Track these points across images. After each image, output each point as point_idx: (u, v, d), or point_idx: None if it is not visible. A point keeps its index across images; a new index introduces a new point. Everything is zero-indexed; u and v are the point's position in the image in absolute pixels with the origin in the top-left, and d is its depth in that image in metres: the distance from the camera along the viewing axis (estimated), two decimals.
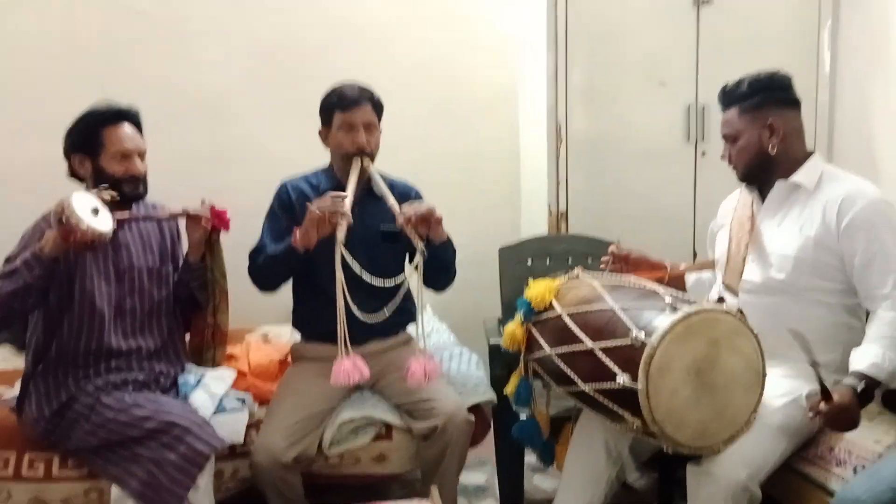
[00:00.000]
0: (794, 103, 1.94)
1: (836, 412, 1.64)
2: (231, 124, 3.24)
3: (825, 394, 1.65)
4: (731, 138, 1.95)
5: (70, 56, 3.11)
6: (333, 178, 2.21)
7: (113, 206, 1.89)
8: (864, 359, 1.70)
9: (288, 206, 2.18)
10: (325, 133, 2.19)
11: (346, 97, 2.12)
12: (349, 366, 1.84)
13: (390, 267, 2.08)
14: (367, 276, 1.88)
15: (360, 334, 2.00)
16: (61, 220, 1.73)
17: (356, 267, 1.86)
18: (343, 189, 2.07)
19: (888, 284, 1.74)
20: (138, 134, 2.05)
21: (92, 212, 1.79)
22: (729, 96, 1.94)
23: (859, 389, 1.67)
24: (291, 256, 2.01)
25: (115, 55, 3.11)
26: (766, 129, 1.89)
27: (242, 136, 3.25)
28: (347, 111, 2.11)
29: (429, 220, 1.96)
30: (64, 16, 3.10)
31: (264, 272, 2.12)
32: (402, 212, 1.95)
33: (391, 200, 2.03)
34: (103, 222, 1.81)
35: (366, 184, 2.15)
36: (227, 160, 3.22)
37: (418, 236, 1.93)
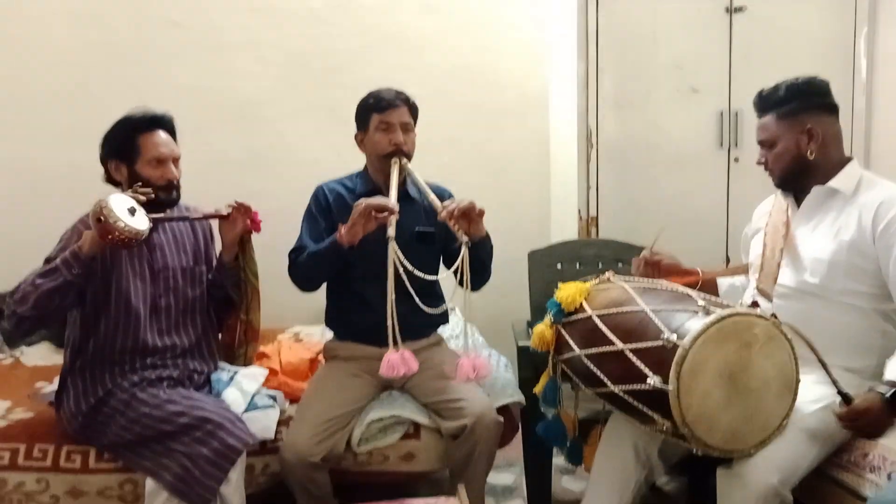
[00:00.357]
0: (833, 109, 1.92)
1: (854, 415, 1.66)
2: (264, 130, 3.30)
3: (845, 398, 1.67)
4: (767, 144, 1.93)
5: (107, 65, 3.19)
6: (369, 181, 2.24)
7: (147, 207, 1.93)
8: (891, 368, 1.71)
9: (325, 209, 2.22)
10: (362, 136, 2.23)
11: (383, 99, 2.17)
12: (397, 359, 1.85)
13: (424, 268, 2.10)
14: (419, 273, 1.92)
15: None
16: (100, 219, 1.77)
17: (408, 263, 1.88)
18: (380, 192, 2.14)
19: None
20: (173, 140, 2.10)
21: (129, 212, 1.83)
22: (766, 101, 1.93)
23: (888, 395, 1.67)
24: (335, 253, 2.04)
25: (151, 63, 3.19)
26: (804, 134, 1.87)
27: (275, 142, 3.31)
28: (384, 112, 2.15)
29: (470, 215, 1.98)
30: (101, 26, 3.19)
31: (306, 270, 2.15)
32: (444, 206, 1.97)
33: (431, 196, 2.05)
34: (140, 222, 1.85)
35: (400, 186, 2.17)
36: (259, 165, 3.28)
37: (463, 230, 1.95)
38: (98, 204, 1.78)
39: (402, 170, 2.14)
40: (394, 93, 2.19)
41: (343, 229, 2.00)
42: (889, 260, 1.77)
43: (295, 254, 2.18)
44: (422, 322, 2.07)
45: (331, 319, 2.30)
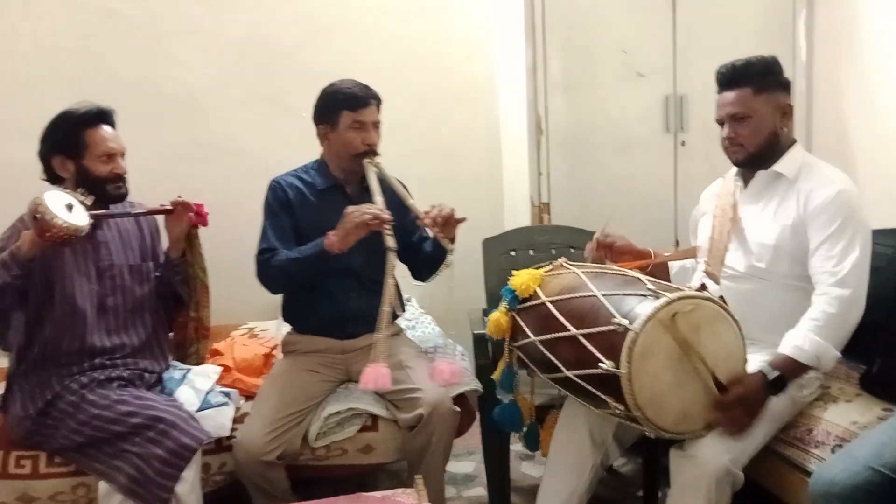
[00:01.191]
0: (789, 88, 1.97)
1: (733, 404, 1.63)
2: (207, 123, 3.21)
3: (718, 385, 1.64)
4: (740, 117, 1.89)
5: (44, 57, 3.06)
6: (329, 176, 2.21)
7: (91, 206, 1.89)
8: (787, 342, 1.74)
9: (285, 204, 2.18)
10: (326, 131, 2.18)
11: (356, 96, 2.13)
12: (386, 372, 1.86)
13: (381, 259, 2.09)
14: (414, 282, 2.04)
15: (354, 328, 2.08)
16: (36, 216, 1.72)
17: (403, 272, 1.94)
18: (341, 187, 2.18)
19: (826, 268, 1.78)
20: (117, 134, 2.05)
21: (66, 208, 1.79)
22: (740, 74, 1.90)
23: (770, 377, 1.69)
24: (322, 259, 2.03)
25: (90, 55, 3.08)
26: (778, 110, 1.90)
27: (218, 135, 3.21)
28: (357, 111, 2.12)
29: (450, 221, 2.00)
30: (38, 16, 3.05)
31: (285, 275, 2.11)
32: (426, 213, 1.99)
33: (410, 201, 2.07)
34: (79, 218, 1.81)
35: (362, 181, 2.16)
36: (204, 157, 3.19)
37: (445, 237, 1.99)
38: (34, 201, 1.74)
39: (376, 169, 2.11)
40: (364, 89, 2.15)
41: (334, 237, 1.99)
42: (811, 243, 1.82)
43: (266, 255, 2.12)
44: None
45: (289, 313, 2.28)
